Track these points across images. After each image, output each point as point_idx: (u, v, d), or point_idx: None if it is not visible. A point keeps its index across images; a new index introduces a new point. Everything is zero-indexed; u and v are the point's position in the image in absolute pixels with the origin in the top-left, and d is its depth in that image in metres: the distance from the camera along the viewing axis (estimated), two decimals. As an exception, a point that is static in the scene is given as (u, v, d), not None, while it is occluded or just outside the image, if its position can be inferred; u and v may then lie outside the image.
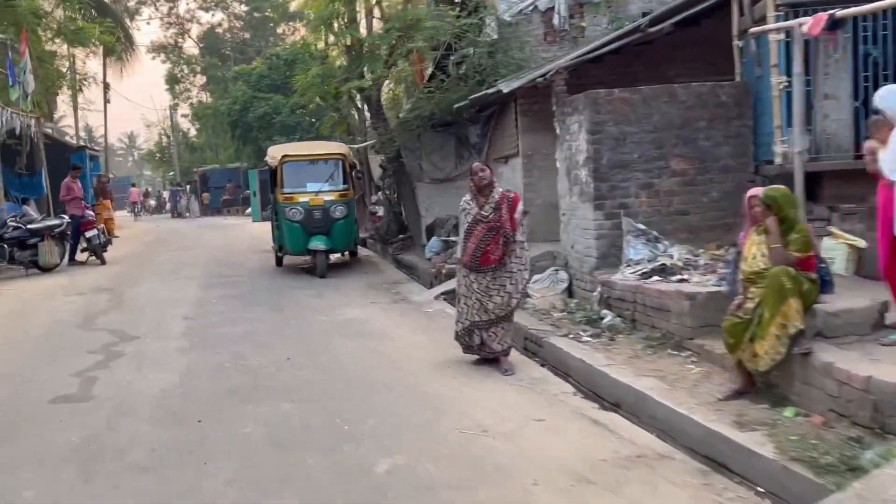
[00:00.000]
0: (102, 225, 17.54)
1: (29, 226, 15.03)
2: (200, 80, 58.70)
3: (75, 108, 35.04)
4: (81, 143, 30.25)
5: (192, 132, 64.03)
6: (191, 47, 57.88)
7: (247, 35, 57.30)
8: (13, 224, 14.89)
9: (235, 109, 39.09)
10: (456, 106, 14.37)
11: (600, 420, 5.76)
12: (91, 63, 34.56)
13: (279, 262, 15.32)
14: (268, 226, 27.13)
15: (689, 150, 8.95)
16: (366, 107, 19.21)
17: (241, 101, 38.89)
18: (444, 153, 15.96)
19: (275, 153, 15.09)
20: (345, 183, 14.38)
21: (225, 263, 16.13)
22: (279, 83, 40.79)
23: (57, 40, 31.66)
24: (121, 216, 45.72)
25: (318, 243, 13.52)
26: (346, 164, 14.50)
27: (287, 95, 40.75)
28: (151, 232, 26.76)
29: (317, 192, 13.92)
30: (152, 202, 60.29)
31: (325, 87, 20.62)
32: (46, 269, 15.15)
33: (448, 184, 16.06)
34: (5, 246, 14.59)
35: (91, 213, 16.82)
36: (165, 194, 58.48)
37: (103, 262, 16.24)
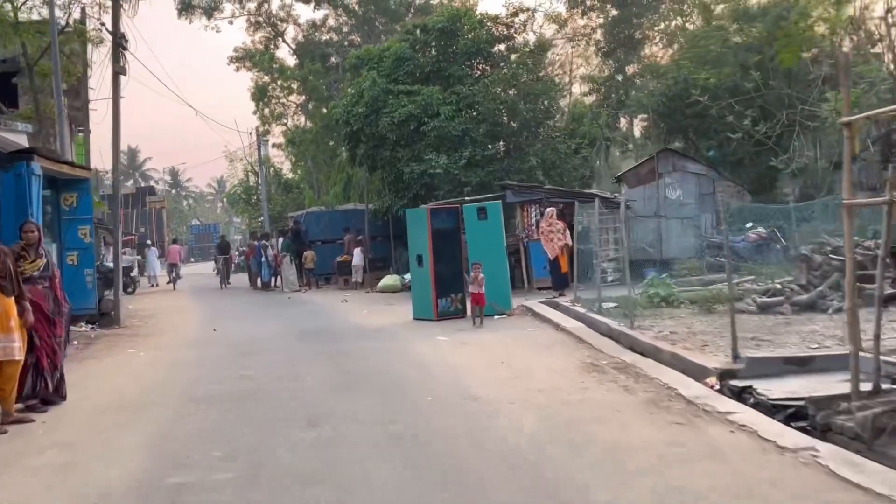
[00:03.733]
0: None
1: None
2: (297, 99, 43.64)
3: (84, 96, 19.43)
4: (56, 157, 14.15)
5: (286, 167, 48.88)
6: (284, 56, 42.89)
7: (356, 37, 41.79)
8: None
9: (358, 113, 22.87)
10: None
11: None
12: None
13: None
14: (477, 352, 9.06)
15: None
16: None
17: (367, 98, 22.70)
18: None
19: None
20: None
21: None
22: (430, 69, 24.61)
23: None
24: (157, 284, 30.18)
25: None
26: None
27: (446, 86, 24.31)
28: (178, 365, 10.28)
29: None
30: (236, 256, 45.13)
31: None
32: None
33: None
34: None
35: None
36: (243, 249, 42.49)
37: None
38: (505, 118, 21.81)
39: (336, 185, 36.27)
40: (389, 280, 20.66)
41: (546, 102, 21.82)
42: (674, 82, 22.26)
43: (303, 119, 43.75)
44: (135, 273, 25.80)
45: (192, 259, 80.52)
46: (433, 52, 23.65)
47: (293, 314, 16.27)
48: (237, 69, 41.63)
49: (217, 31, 40.21)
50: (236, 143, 67.73)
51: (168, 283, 28.88)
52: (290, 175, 48.53)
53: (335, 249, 24.40)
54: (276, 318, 15.84)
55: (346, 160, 37.80)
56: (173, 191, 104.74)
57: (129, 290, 24.82)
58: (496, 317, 13.17)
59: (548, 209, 15.60)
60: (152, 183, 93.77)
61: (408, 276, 21.14)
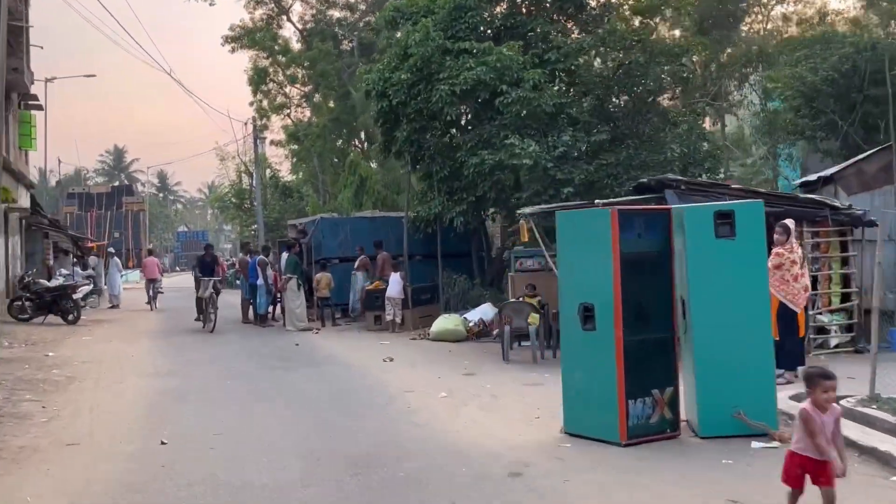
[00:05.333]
0: None
1: None
2: (300, 90, 36.75)
3: None
4: None
5: (285, 168, 41.81)
6: (289, 37, 35.98)
7: (374, 18, 34.69)
8: None
9: (401, 80, 15.88)
10: None
11: None
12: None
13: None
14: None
15: None
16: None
17: (416, 58, 15.70)
18: None
19: None
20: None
21: None
22: (501, 24, 17.72)
23: None
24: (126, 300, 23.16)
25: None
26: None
27: (525, 48, 16.38)
28: None
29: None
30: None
31: None
32: None
33: None
34: None
35: None
36: (231, 260, 35.34)
37: None
38: (616, 89, 14.77)
39: (346, 188, 29.35)
40: (447, 323, 13.53)
41: (690, 68, 14.79)
42: (854, 50, 15.41)
43: (307, 113, 36.81)
44: (80, 292, 18.44)
45: (177, 268, 73.00)
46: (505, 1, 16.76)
47: (310, 393, 9.06)
48: (233, 50, 34.78)
49: (211, 4, 32.80)
50: (228, 136, 60.33)
51: (147, 302, 22.43)
52: (289, 177, 41.51)
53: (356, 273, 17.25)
54: (281, 400, 8.66)
55: (357, 157, 30.98)
56: (161, 195, 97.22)
57: (70, 317, 17.61)
58: (755, 444, 6.13)
59: (786, 222, 8.49)
60: (139, 186, 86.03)
61: (472, 316, 14.05)
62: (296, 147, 35.87)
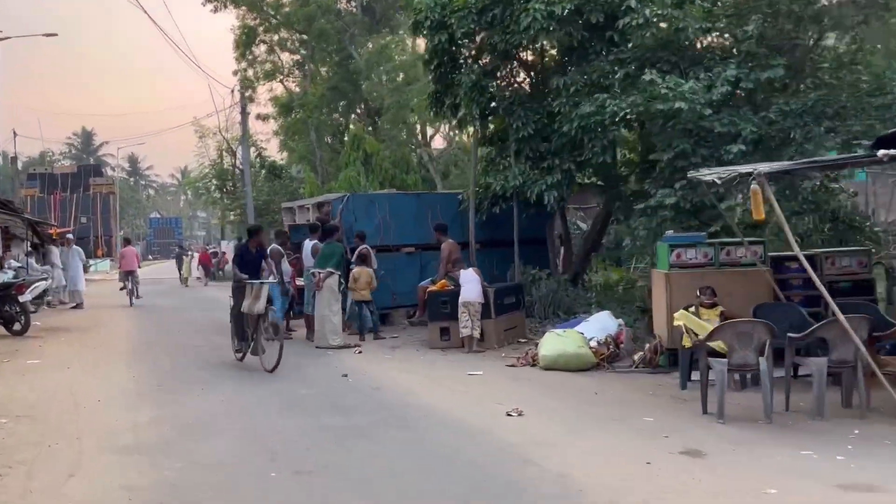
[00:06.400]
0: None
1: None
2: (291, 58, 32.12)
3: None
4: None
5: (273, 146, 37.04)
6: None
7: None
8: None
9: (466, 6, 11.45)
10: None
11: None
12: None
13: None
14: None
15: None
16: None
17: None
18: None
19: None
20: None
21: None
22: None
23: None
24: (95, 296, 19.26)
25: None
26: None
27: None
28: None
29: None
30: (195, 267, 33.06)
31: None
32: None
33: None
34: None
35: None
36: (224, 247, 31.59)
37: None
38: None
39: (349, 165, 24.88)
40: (566, 343, 9.06)
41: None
42: None
43: (300, 84, 32.06)
44: (30, 292, 13.69)
45: (149, 256, 67.58)
46: None
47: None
48: (215, 10, 29.86)
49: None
50: (207, 109, 55.16)
51: (122, 289, 19.32)
52: (278, 157, 36.71)
53: (403, 264, 12.84)
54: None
55: (360, 131, 26.47)
56: (132, 179, 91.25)
57: (16, 326, 13.02)
58: None
59: None
60: (109, 170, 79.78)
61: (591, 332, 9.61)
62: (287, 119, 31.22)
